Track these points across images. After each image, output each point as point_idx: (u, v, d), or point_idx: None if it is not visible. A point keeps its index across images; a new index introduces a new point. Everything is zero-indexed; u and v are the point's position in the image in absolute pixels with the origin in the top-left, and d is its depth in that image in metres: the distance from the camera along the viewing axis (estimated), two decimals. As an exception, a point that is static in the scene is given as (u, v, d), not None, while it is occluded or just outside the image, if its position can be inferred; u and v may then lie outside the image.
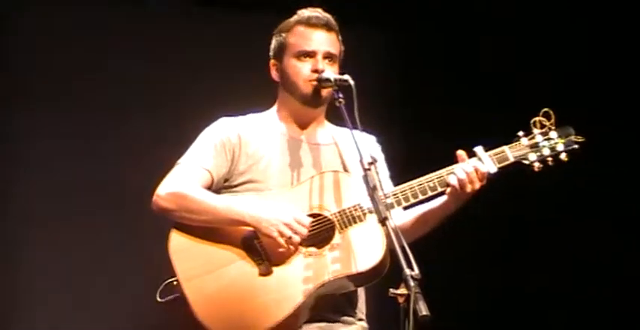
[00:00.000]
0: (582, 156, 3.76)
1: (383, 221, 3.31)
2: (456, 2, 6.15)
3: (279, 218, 3.57)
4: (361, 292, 3.77)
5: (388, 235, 3.29)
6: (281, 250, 3.59)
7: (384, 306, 3.52)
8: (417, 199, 3.69)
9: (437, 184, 3.68)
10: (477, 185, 3.66)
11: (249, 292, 3.59)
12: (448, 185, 3.67)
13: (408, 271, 3.15)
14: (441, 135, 5.49)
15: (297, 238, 3.57)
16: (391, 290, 3.27)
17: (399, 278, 3.17)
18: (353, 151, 3.61)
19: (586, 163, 3.84)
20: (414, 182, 3.69)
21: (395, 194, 3.66)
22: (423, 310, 3.07)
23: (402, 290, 3.21)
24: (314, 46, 3.77)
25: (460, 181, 3.65)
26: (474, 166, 3.66)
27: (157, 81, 5.71)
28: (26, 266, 5.56)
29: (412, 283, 3.12)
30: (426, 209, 3.76)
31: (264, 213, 3.59)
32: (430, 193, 3.69)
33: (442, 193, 3.70)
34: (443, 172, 3.70)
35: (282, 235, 3.56)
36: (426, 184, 3.68)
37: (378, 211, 3.35)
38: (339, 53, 3.83)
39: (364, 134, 3.77)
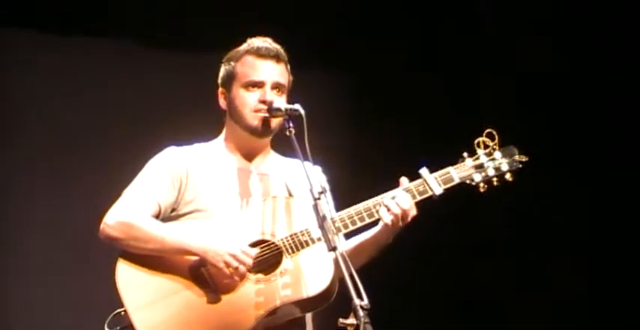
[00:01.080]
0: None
1: (332, 250, 3.34)
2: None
3: (225, 249, 3.57)
4: (309, 320, 3.76)
5: (338, 265, 3.31)
6: (227, 280, 3.58)
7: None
8: (355, 227, 3.69)
9: (374, 211, 3.68)
10: (409, 219, 3.67)
11: (198, 321, 3.58)
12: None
13: (357, 301, 3.17)
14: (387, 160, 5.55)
15: (243, 269, 3.57)
16: (340, 320, 3.28)
17: (349, 308, 3.19)
18: (299, 181, 3.64)
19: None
20: (351, 209, 3.69)
21: (341, 218, 3.67)
22: (372, 340, 3.10)
23: (352, 320, 3.21)
24: (262, 77, 3.76)
25: (394, 217, 3.64)
26: (410, 204, 3.66)
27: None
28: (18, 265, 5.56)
29: (361, 313, 3.15)
30: (363, 238, 3.76)
31: (210, 243, 3.59)
32: (368, 220, 3.69)
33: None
34: (382, 197, 3.69)
35: (228, 265, 3.56)
36: (364, 213, 3.67)
37: (327, 240, 3.37)
38: (287, 83, 3.82)
39: (310, 164, 3.79)
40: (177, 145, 3.84)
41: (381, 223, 3.70)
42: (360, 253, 3.77)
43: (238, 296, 3.59)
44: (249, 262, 3.57)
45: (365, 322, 3.12)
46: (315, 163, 3.70)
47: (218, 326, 3.58)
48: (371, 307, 3.15)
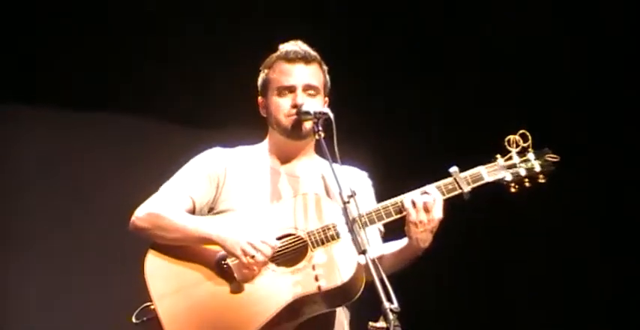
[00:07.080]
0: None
1: (362, 253, 3.37)
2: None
3: (244, 238, 3.61)
4: (340, 317, 3.78)
5: (367, 268, 3.33)
6: (246, 270, 3.62)
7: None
8: (382, 221, 3.70)
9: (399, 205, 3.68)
10: (432, 214, 3.64)
11: (220, 310, 3.64)
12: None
13: (387, 304, 3.20)
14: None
15: (260, 258, 3.60)
16: (370, 323, 3.28)
17: (378, 311, 3.21)
18: (334, 184, 3.64)
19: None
20: (379, 205, 3.71)
21: (368, 213, 3.66)
22: (402, 343, 3.11)
23: (382, 323, 3.21)
24: (292, 81, 3.80)
25: (415, 209, 3.64)
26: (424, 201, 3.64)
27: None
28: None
29: (391, 317, 3.17)
30: (397, 248, 3.76)
31: (229, 232, 3.64)
32: (395, 216, 3.68)
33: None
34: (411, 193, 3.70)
35: (245, 253, 3.60)
36: (390, 207, 3.69)
37: (357, 244, 3.41)
38: (321, 84, 3.84)
39: (355, 169, 3.88)
40: (223, 146, 3.91)
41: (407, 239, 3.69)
42: (397, 260, 3.76)
43: (259, 287, 3.63)
44: (268, 251, 3.61)
45: (395, 326, 3.14)
46: (360, 168, 3.80)
47: (238, 316, 3.62)
48: (401, 311, 3.17)
